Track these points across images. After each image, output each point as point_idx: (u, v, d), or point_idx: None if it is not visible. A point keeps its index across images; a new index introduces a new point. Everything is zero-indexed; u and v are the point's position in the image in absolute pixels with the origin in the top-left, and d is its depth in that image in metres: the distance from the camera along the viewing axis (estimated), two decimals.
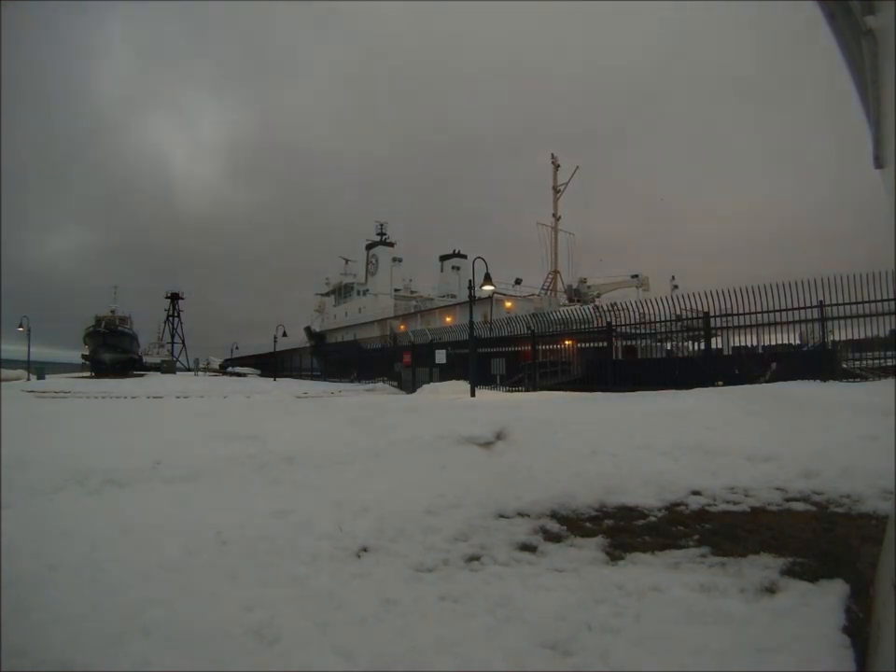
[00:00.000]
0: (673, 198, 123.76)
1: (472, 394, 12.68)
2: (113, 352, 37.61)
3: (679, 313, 13.37)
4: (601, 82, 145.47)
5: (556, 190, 31.69)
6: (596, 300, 26.59)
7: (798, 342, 12.26)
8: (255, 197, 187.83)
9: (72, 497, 3.62)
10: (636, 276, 28.07)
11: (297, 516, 3.29)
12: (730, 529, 3.08)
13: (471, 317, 14.16)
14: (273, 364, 34.69)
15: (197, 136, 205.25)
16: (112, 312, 44.44)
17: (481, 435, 5.42)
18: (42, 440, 5.51)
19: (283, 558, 2.65)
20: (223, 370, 47.27)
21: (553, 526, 3.26)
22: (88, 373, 36.04)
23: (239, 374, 38.55)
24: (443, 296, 37.11)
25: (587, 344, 15.69)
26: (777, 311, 11.41)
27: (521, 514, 3.45)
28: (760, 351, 12.40)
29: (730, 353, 13.03)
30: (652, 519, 3.36)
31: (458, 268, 39.03)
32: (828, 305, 10.64)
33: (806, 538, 2.90)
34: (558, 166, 31.64)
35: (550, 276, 31.63)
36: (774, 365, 11.24)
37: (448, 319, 29.14)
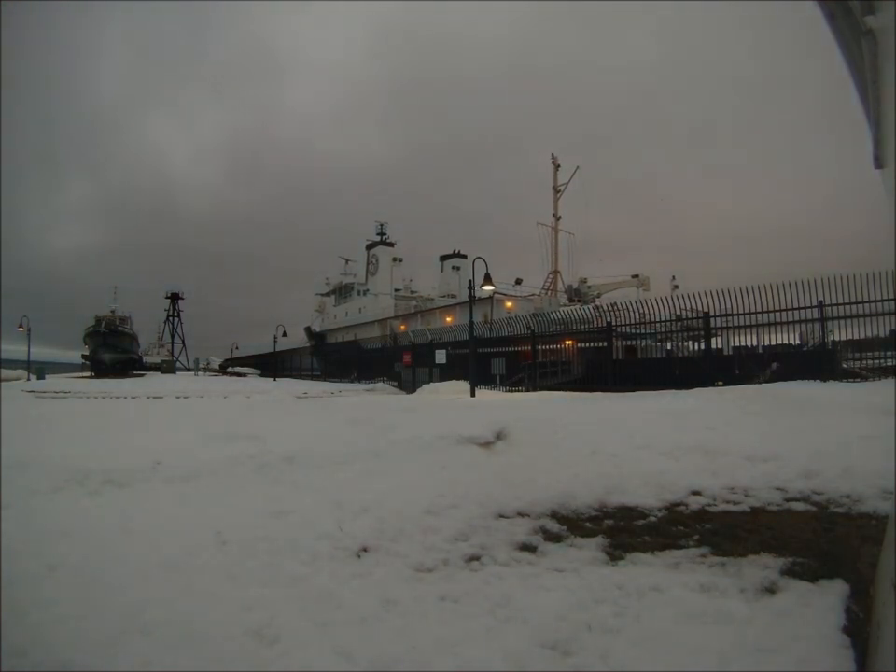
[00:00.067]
0: (673, 198, 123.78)
1: (472, 394, 12.68)
2: (113, 352, 37.61)
3: (679, 313, 13.38)
4: (601, 82, 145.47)
5: (556, 190, 31.71)
6: (597, 300, 26.59)
7: (798, 342, 12.26)
8: (255, 197, 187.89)
9: (72, 497, 3.62)
10: (636, 276, 28.09)
11: (297, 516, 3.29)
12: (730, 529, 3.08)
13: (471, 317, 14.16)
14: (273, 364, 34.71)
15: (197, 136, 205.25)
16: (112, 312, 44.43)
17: (481, 435, 5.42)
18: (42, 440, 5.51)
19: (283, 558, 2.65)
20: (223, 370, 47.27)
21: (553, 526, 3.26)
22: (88, 373, 36.05)
23: (239, 374, 38.59)
24: (443, 296, 37.12)
25: (587, 344, 15.70)
26: (777, 311, 11.42)
27: (521, 514, 3.45)
28: (760, 351, 12.40)
29: (730, 353, 13.04)
30: (652, 519, 3.36)
31: (458, 268, 39.03)
32: (828, 305, 10.65)
33: (806, 538, 2.90)
34: (558, 166, 31.66)
35: (550, 276, 31.66)
36: (774, 365, 11.24)
37: (448, 319, 29.14)
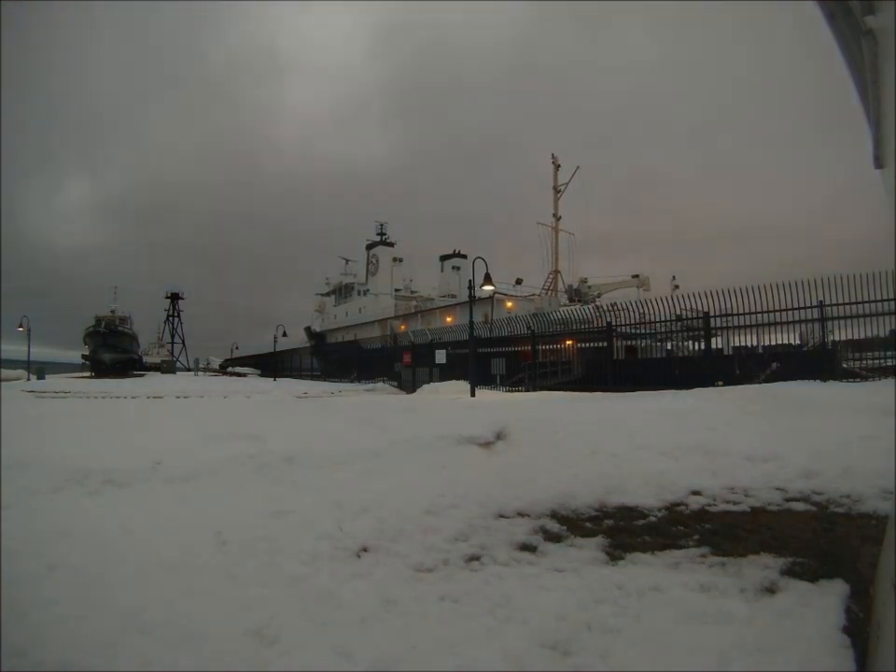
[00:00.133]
0: (673, 198, 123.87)
1: (472, 394, 12.68)
2: (113, 352, 37.62)
3: (679, 313, 13.38)
4: (601, 82, 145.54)
5: (557, 190, 31.72)
6: (597, 300, 26.59)
7: (798, 342, 12.26)
8: (255, 197, 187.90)
9: (72, 496, 3.61)
10: (636, 276, 28.10)
11: (297, 516, 3.29)
12: (730, 529, 3.08)
13: (471, 317, 14.16)
14: (273, 364, 34.72)
15: (197, 136, 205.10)
16: (112, 312, 44.46)
17: (481, 435, 5.41)
18: (42, 440, 5.51)
19: (283, 558, 2.65)
20: (223, 370, 47.28)
21: (553, 526, 3.26)
22: (88, 373, 36.05)
23: (239, 374, 38.60)
24: (443, 296, 37.11)
25: (587, 344, 15.70)
26: (777, 311, 11.42)
27: (521, 514, 3.45)
28: (760, 351, 12.40)
29: (730, 353, 13.03)
30: (652, 519, 3.36)
31: (458, 268, 39.03)
32: (828, 305, 10.65)
33: (806, 538, 2.90)
34: (558, 166, 31.67)
35: (550, 276, 31.66)
36: (774, 365, 11.24)
37: (448, 319, 29.15)
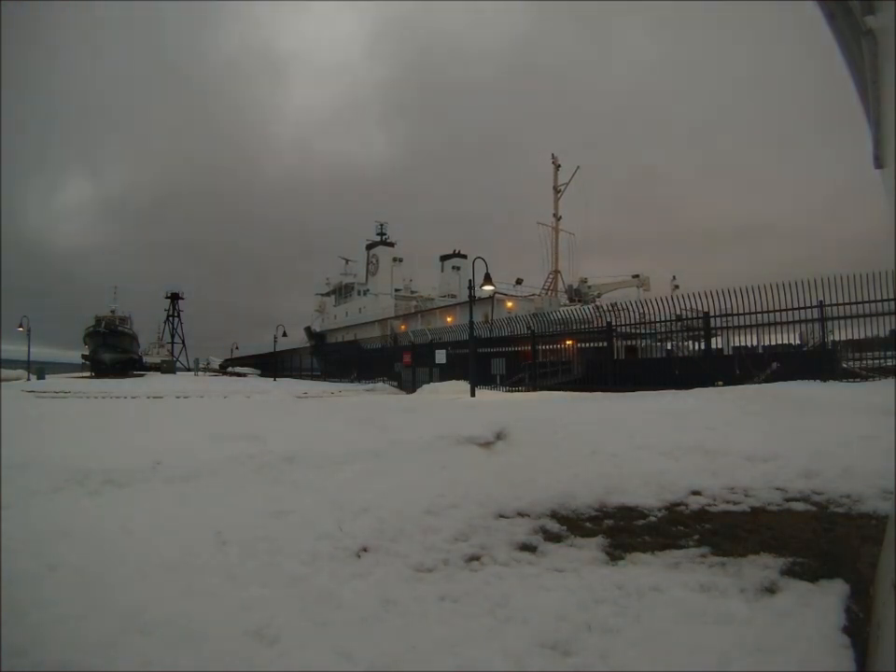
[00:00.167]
0: (673, 198, 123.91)
1: (472, 394, 12.69)
2: (113, 352, 37.62)
3: (679, 313, 13.37)
4: (601, 82, 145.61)
5: (557, 190, 31.71)
6: (597, 300, 26.59)
7: (798, 342, 12.26)
8: (255, 197, 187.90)
9: (72, 496, 3.61)
10: (636, 276, 28.10)
11: (297, 516, 3.29)
12: (730, 529, 3.08)
13: (471, 317, 14.17)
14: (273, 364, 34.72)
15: (197, 136, 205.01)
16: (112, 312, 44.46)
17: (481, 435, 5.42)
18: (42, 440, 5.51)
19: (283, 558, 2.65)
20: (223, 370, 47.28)
21: (553, 526, 3.26)
22: (88, 373, 36.05)
23: (239, 374, 38.61)
24: (443, 296, 37.12)
25: (587, 344, 15.69)
26: (777, 311, 11.41)
27: (521, 514, 3.45)
28: (760, 351, 12.40)
29: (730, 353, 13.03)
30: (652, 519, 3.36)
31: (459, 268, 39.04)
32: (828, 305, 10.65)
33: (806, 538, 2.90)
34: (559, 166, 31.66)
35: (550, 276, 31.66)
36: (774, 365, 11.24)
37: (448, 319, 29.15)
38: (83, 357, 41.07)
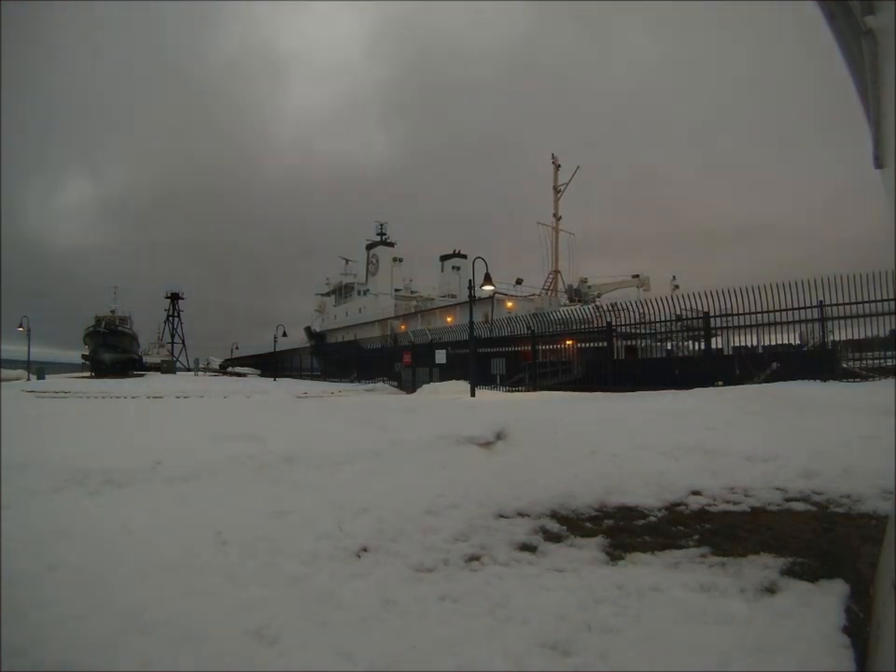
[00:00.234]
0: (673, 198, 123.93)
1: (472, 394, 12.69)
2: (113, 352, 37.62)
3: (679, 313, 13.37)
4: (601, 82, 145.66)
5: (557, 190, 31.71)
6: (597, 300, 26.59)
7: (798, 342, 12.26)
8: (255, 197, 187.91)
9: (72, 497, 3.61)
10: (636, 276, 28.10)
11: (297, 516, 3.29)
12: (730, 529, 3.08)
13: (471, 317, 14.17)
14: (273, 364, 34.72)
15: (197, 136, 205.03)
16: (112, 312, 44.46)
17: (481, 435, 5.42)
18: (42, 440, 5.51)
19: (283, 558, 2.65)
20: (223, 370, 47.28)
21: (553, 526, 3.26)
22: (88, 373, 36.04)
23: (239, 374, 38.61)
24: (443, 296, 37.12)
25: (587, 344, 15.69)
26: (777, 311, 11.41)
27: (521, 514, 3.45)
28: (760, 351, 12.40)
29: (730, 353, 13.03)
30: (652, 519, 3.36)
31: (459, 268, 39.04)
32: (828, 305, 10.65)
33: (806, 538, 2.90)
34: (559, 166, 31.66)
35: (550, 276, 31.66)
36: (775, 365, 11.24)
37: (448, 319, 29.15)
38: (83, 356, 41.07)
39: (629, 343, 15.36)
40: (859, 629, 1.90)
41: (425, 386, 16.17)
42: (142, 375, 34.49)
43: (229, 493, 3.79)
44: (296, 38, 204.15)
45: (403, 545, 2.88)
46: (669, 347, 15.08)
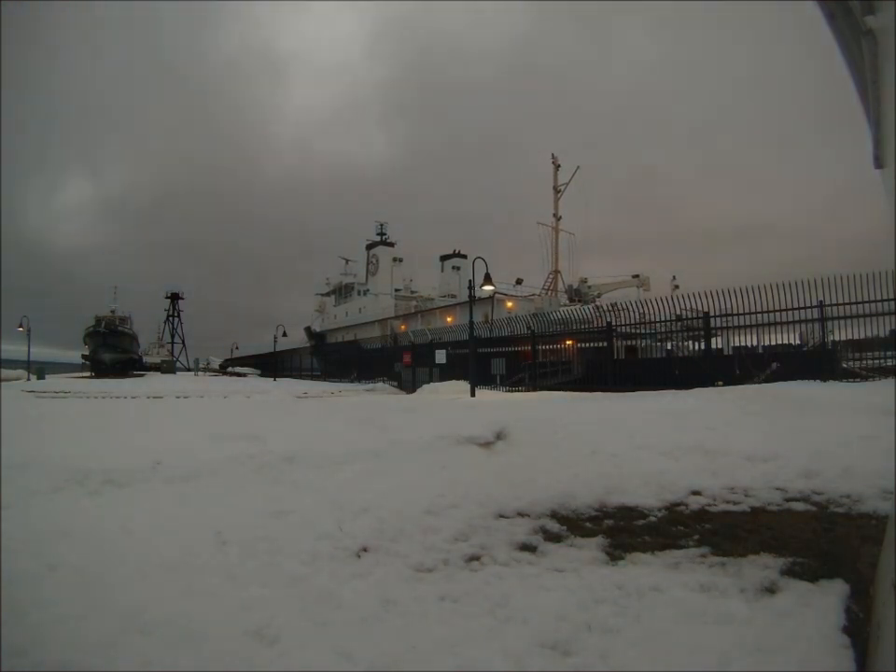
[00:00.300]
0: (673, 198, 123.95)
1: (472, 394, 12.69)
2: (113, 352, 37.61)
3: (679, 313, 13.38)
4: (601, 82, 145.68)
5: (557, 190, 31.71)
6: (597, 300, 26.59)
7: (798, 342, 12.26)
8: (255, 197, 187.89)
9: (72, 497, 3.61)
10: (636, 276, 28.10)
11: (297, 516, 3.29)
12: (730, 529, 3.08)
13: (471, 317, 14.17)
14: (273, 364, 34.72)
15: (197, 136, 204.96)
16: (112, 312, 44.46)
17: (481, 435, 5.41)
18: (42, 440, 5.51)
19: (283, 558, 2.65)
20: (223, 370, 47.28)
21: (553, 526, 3.26)
22: (88, 373, 36.04)
23: (239, 374, 38.61)
24: (443, 296, 37.12)
25: (587, 344, 15.69)
26: (777, 311, 11.41)
27: (521, 514, 3.45)
28: (760, 351, 12.40)
29: (730, 353, 13.03)
30: (652, 519, 3.36)
31: (459, 268, 39.04)
32: (828, 305, 10.65)
33: (806, 538, 2.90)
34: (558, 166, 31.66)
35: (550, 276, 31.66)
36: (775, 365, 11.24)
37: (448, 319, 29.15)
38: (83, 356, 41.07)
39: (629, 342, 15.36)
40: (859, 629, 1.90)
41: (425, 386, 16.17)
42: (142, 375, 34.48)
43: (229, 493, 3.79)
44: (296, 38, 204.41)
45: (403, 545, 2.88)
46: (669, 347, 15.08)
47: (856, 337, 10.53)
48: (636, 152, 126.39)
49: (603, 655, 1.80)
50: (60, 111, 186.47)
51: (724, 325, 12.61)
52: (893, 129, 1.63)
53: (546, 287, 31.18)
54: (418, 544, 2.90)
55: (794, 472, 3.94)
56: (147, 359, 49.72)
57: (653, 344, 15.31)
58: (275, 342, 32.37)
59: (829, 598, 2.13)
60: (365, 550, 2.82)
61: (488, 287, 14.04)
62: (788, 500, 3.54)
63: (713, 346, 12.79)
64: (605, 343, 14.36)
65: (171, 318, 67.17)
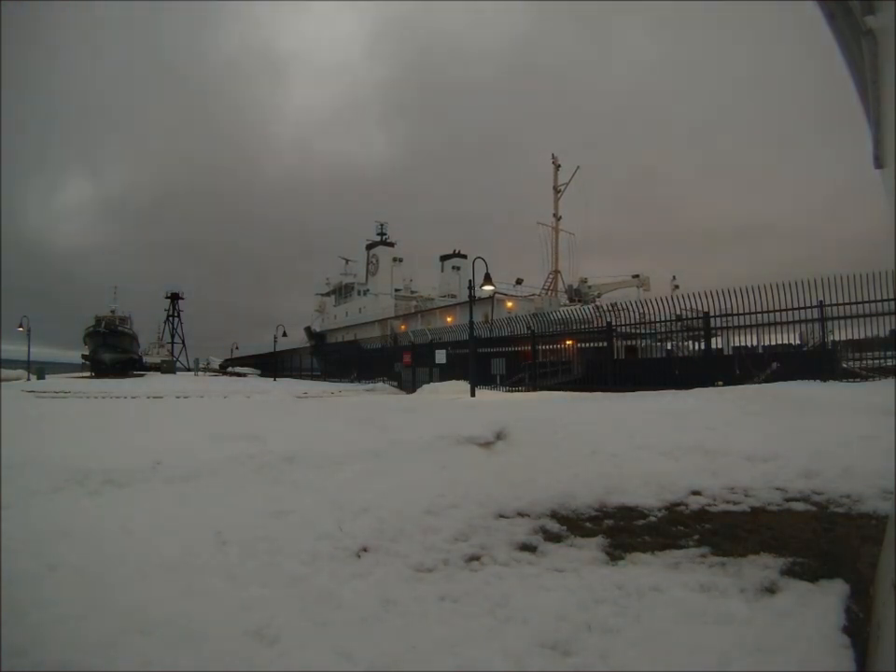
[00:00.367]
0: (673, 198, 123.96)
1: (472, 394, 12.69)
2: (113, 352, 37.60)
3: (679, 313, 13.38)
4: (601, 82, 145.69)
5: (557, 190, 31.71)
6: (597, 300, 26.59)
7: (798, 342, 12.26)
8: (255, 197, 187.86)
9: (72, 497, 3.61)
10: (636, 276, 28.10)
11: (297, 516, 3.29)
12: (730, 529, 3.08)
13: (471, 317, 14.17)
14: (273, 364, 34.72)
15: (197, 136, 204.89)
16: (112, 312, 44.45)
17: (481, 435, 5.41)
18: (42, 440, 5.51)
19: (283, 558, 2.65)
20: (223, 370, 47.27)
21: (553, 526, 3.26)
22: (88, 373, 36.04)
23: (239, 374, 38.59)
24: (443, 296, 37.13)
25: (587, 344, 15.70)
26: (777, 311, 11.41)
27: (521, 514, 3.45)
28: (760, 351, 12.40)
29: (730, 353, 13.03)
30: (652, 519, 3.36)
31: (458, 268, 39.06)
32: (828, 305, 10.65)
33: (806, 538, 2.90)
34: (559, 166, 31.67)
35: (550, 276, 31.66)
36: (775, 365, 11.24)
37: (448, 319, 29.15)
38: (83, 356, 41.06)
39: (629, 343, 15.36)
40: (859, 629, 1.90)
41: (425, 386, 16.17)
42: (142, 375, 34.47)
43: (229, 493, 3.79)
44: (296, 38, 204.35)
45: (403, 545, 2.88)
46: (669, 347, 15.07)
47: (856, 337, 10.53)
48: (636, 152, 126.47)
49: (603, 655, 1.80)
50: (60, 111, 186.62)
51: (724, 325, 12.61)
52: (893, 129, 1.63)
53: (546, 287, 31.18)
54: (418, 544, 2.90)
55: (794, 472, 3.94)
56: (146, 359, 49.70)
57: (653, 344, 15.31)
58: (275, 342, 32.39)
59: (829, 598, 2.13)
60: (365, 550, 2.82)
61: (488, 287, 14.04)
62: (788, 500, 3.54)
63: (713, 346, 12.79)
64: (605, 343, 14.36)
65: (171, 318, 67.22)
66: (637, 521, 3.34)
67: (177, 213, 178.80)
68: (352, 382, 25.01)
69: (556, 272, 31.57)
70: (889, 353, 10.90)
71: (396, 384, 20.80)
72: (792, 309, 11.17)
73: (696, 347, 13.77)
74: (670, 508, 3.53)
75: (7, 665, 1.66)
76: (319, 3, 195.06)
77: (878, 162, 2.11)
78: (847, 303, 10.38)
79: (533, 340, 16.36)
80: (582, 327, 15.99)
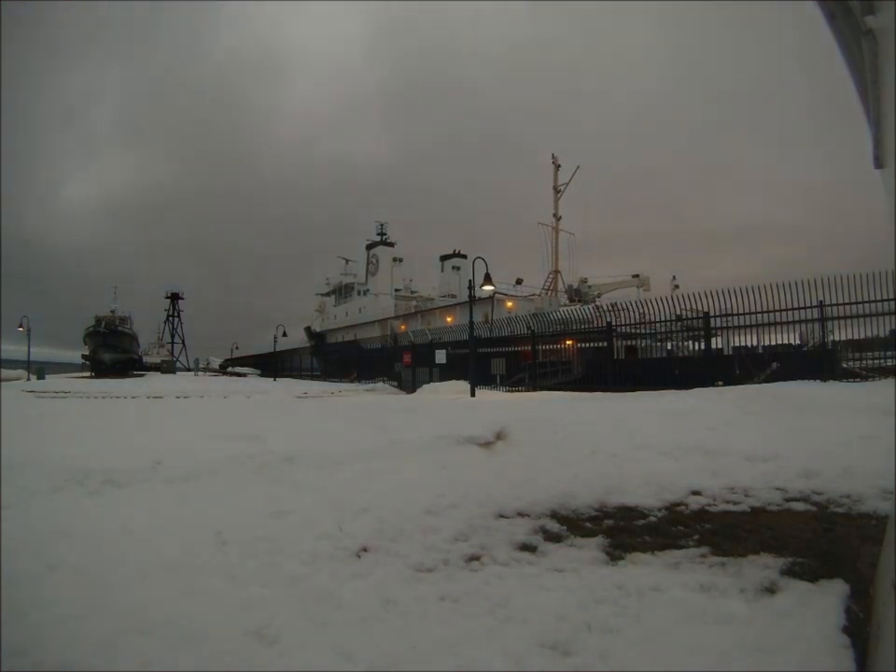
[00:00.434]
0: (673, 198, 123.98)
1: (472, 394, 12.69)
2: (113, 352, 37.61)
3: (679, 313, 13.38)
4: (601, 82, 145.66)
5: (557, 190, 31.72)
6: (597, 300, 26.59)
7: (798, 342, 12.26)
8: (255, 197, 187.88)
9: (72, 497, 3.61)
10: (636, 276, 28.11)
11: (297, 516, 3.29)
12: (730, 529, 3.08)
13: (471, 317, 14.17)
14: (273, 364, 34.74)
15: (197, 136, 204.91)
16: (112, 312, 44.45)
17: (481, 435, 5.42)
18: (42, 440, 5.51)
19: (283, 558, 2.65)
20: (223, 370, 47.28)
21: (553, 526, 3.26)
22: (88, 373, 36.04)
23: (239, 374, 38.61)
24: (443, 296, 37.14)
25: (587, 344, 15.70)
26: (777, 311, 11.41)
27: (521, 514, 3.45)
28: (760, 351, 12.40)
29: (730, 353, 13.03)
30: (652, 519, 3.36)
31: (458, 268, 39.08)
32: (828, 305, 10.65)
33: (806, 538, 2.90)
34: (559, 166, 31.67)
35: (550, 276, 31.67)
36: (775, 365, 11.24)
37: (448, 319, 29.16)
38: (83, 356, 41.06)
39: (629, 343, 15.36)
40: (859, 629, 1.90)
41: (425, 386, 16.17)
42: (142, 375, 34.48)
43: (229, 493, 3.79)
44: (296, 38, 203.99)
45: (403, 545, 2.88)
46: (669, 347, 15.08)
47: (856, 337, 10.53)
48: (636, 152, 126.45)
49: (603, 655, 1.80)
50: (60, 111, 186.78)
51: (724, 325, 12.61)
52: (893, 129, 1.63)
53: (546, 287, 31.19)
54: (418, 544, 2.90)
55: (794, 472, 3.94)
56: (146, 359, 49.73)
57: (653, 344, 15.31)
58: (275, 342, 32.41)
59: (829, 598, 2.13)
60: (365, 550, 2.82)
61: (488, 287, 14.05)
62: (788, 500, 3.54)
63: (713, 346, 12.79)
64: (605, 343, 14.36)
65: (171, 318, 67.27)
66: (637, 521, 3.34)
67: (177, 213, 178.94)
68: (352, 382, 25.01)
69: (556, 272, 31.58)
70: (888, 353, 10.90)
71: (396, 384, 20.80)
72: (792, 309, 11.17)
73: (696, 347, 13.77)
74: (670, 508, 3.53)
75: (6, 665, 1.66)
76: (319, 3, 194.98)
77: (878, 162, 2.11)
78: (847, 303, 10.39)
79: (533, 340, 16.36)
80: (582, 327, 15.99)
